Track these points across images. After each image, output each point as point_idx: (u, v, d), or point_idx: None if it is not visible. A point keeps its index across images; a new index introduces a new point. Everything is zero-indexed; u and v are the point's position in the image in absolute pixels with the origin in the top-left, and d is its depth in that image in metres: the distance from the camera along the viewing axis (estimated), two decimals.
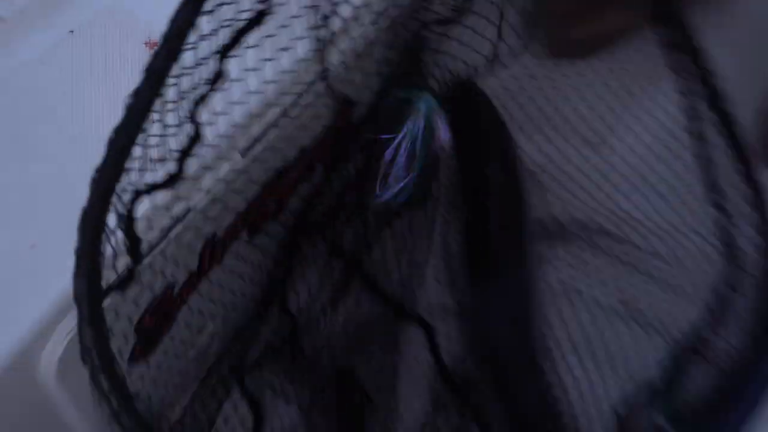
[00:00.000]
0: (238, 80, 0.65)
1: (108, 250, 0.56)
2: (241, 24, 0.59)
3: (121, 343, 0.67)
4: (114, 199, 0.53)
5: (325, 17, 0.73)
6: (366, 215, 0.93)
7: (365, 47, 0.82)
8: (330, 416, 0.92)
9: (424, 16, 0.88)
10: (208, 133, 0.62)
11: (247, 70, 0.66)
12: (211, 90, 0.59)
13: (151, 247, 0.69)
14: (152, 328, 0.75)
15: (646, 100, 1.02)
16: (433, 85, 0.89)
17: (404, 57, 0.89)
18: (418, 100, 0.83)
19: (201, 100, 0.59)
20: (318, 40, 0.73)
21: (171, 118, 0.57)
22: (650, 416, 0.88)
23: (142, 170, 0.57)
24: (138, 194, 0.58)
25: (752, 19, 0.98)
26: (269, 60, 0.69)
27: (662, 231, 1.05)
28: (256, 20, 0.59)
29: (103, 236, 0.54)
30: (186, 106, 0.58)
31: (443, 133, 0.85)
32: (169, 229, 0.71)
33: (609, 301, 1.05)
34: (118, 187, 0.53)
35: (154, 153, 0.57)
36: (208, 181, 0.72)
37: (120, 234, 0.58)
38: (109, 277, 0.59)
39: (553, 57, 1.10)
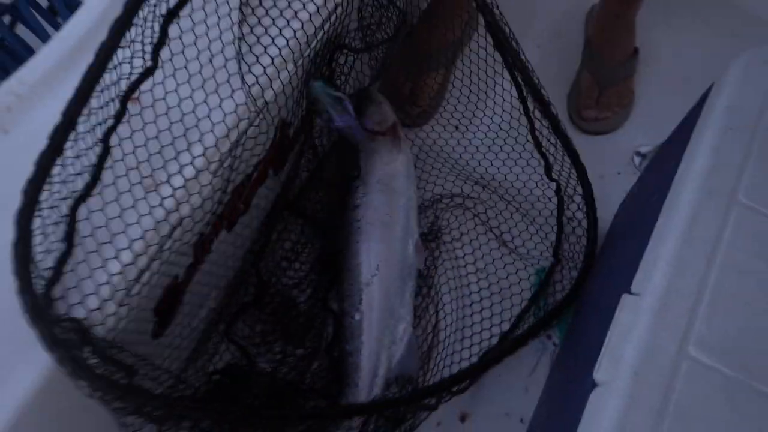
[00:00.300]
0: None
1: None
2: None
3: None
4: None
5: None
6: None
7: (296, 81, 0.99)
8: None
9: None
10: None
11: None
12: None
13: (159, 249, 0.84)
14: (166, 309, 0.91)
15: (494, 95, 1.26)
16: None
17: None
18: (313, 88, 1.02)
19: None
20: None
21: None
22: None
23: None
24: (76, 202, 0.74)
25: None
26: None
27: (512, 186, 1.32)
28: None
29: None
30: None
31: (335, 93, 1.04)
32: (169, 235, 0.84)
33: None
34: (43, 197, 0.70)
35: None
36: (193, 197, 0.85)
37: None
38: None
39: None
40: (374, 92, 1.28)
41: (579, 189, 1.26)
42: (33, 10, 1.25)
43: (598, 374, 0.75)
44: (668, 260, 0.80)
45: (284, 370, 1.11)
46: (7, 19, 1.25)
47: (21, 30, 1.27)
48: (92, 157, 0.77)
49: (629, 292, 0.82)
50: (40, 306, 0.69)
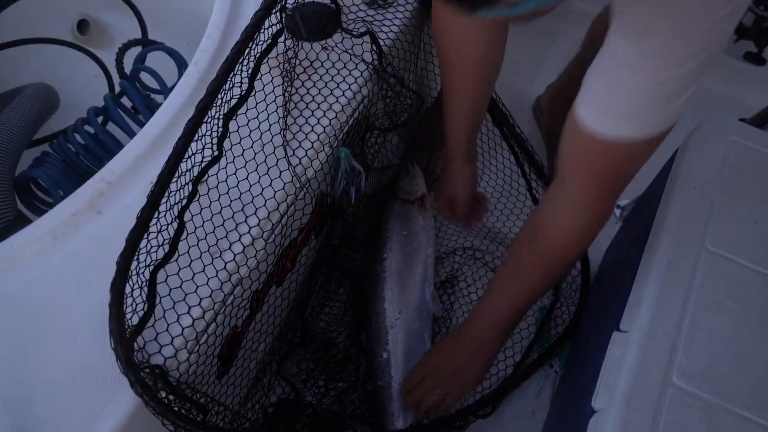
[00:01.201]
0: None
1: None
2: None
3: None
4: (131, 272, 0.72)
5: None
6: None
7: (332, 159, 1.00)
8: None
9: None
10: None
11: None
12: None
13: (223, 304, 0.85)
14: (227, 354, 0.91)
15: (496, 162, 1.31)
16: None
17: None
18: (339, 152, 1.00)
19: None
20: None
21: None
22: None
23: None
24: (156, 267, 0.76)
25: None
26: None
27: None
28: None
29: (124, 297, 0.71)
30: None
31: (357, 165, 1.01)
32: (231, 292, 0.84)
33: None
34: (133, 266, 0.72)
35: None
36: (250, 260, 0.86)
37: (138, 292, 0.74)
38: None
39: None
40: (412, 166, 1.29)
41: None
42: (120, 111, 1.28)
43: (596, 403, 0.73)
44: (650, 301, 0.79)
45: (327, 402, 1.09)
46: (100, 119, 1.30)
47: (111, 127, 1.31)
48: (170, 231, 0.79)
49: (619, 330, 0.80)
50: (132, 357, 0.70)
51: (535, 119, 1.60)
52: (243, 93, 0.85)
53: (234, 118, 0.85)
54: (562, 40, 1.76)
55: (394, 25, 1.08)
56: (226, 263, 0.83)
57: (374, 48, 1.03)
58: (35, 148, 1.28)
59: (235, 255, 0.84)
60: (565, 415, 0.97)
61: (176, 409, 0.73)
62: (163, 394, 0.73)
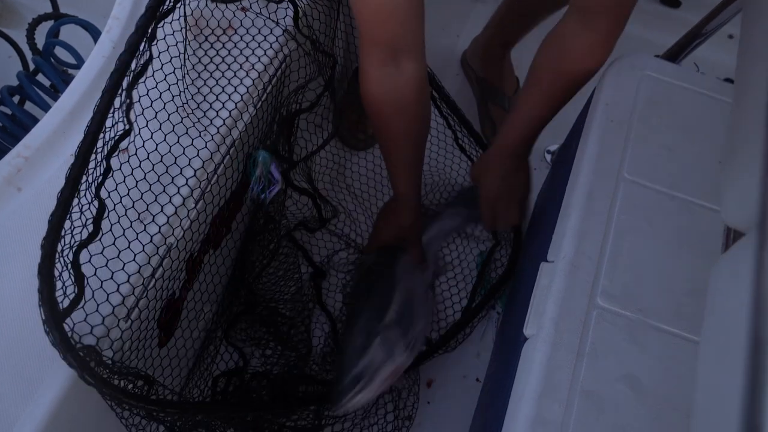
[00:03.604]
0: None
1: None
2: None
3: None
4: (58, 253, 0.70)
5: None
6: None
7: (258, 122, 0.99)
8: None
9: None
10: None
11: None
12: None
13: (153, 271, 0.83)
14: (167, 322, 0.90)
15: None
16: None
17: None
18: (257, 155, 0.98)
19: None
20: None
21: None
22: None
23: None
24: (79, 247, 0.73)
25: None
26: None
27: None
28: None
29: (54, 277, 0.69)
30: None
31: (275, 173, 0.99)
32: (162, 259, 0.83)
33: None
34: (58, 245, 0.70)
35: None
36: (178, 227, 0.85)
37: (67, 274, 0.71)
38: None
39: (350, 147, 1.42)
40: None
41: None
42: (36, 88, 1.23)
43: (527, 330, 0.75)
44: (573, 231, 0.82)
45: (276, 370, 1.08)
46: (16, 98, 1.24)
47: (29, 106, 1.25)
48: (92, 210, 0.76)
49: (546, 260, 0.83)
50: (70, 341, 0.68)
51: (464, 73, 1.61)
52: (145, 61, 0.82)
53: (140, 85, 0.82)
54: None
55: None
56: (152, 236, 0.81)
57: (290, 8, 1.01)
58: None
59: (160, 227, 0.82)
60: (504, 349, 1.00)
61: (117, 383, 0.72)
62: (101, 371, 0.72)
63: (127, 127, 0.80)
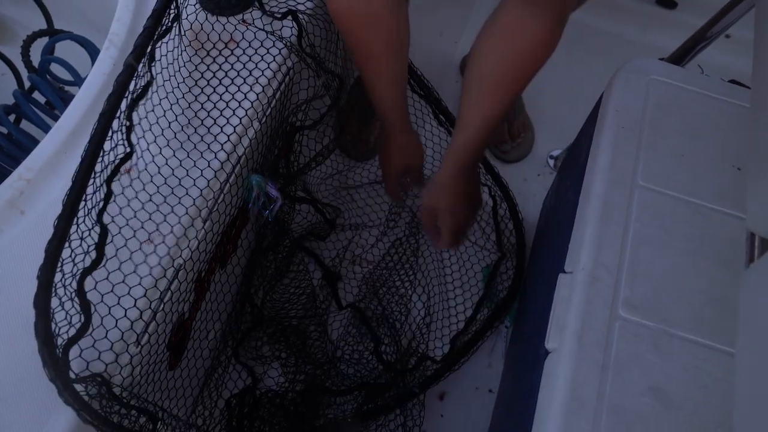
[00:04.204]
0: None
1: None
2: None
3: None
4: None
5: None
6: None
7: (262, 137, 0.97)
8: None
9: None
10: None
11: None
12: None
13: (162, 294, 0.81)
14: (177, 343, 0.88)
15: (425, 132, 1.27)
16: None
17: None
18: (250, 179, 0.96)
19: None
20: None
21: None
22: None
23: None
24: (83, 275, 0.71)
25: None
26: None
27: None
28: None
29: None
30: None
31: (272, 191, 0.96)
32: (171, 281, 0.81)
33: None
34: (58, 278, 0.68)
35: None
36: (186, 248, 0.83)
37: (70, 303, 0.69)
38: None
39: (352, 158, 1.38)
40: None
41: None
42: (32, 106, 1.21)
43: (549, 344, 0.74)
44: (591, 241, 0.80)
45: (297, 386, 1.05)
46: (12, 118, 1.22)
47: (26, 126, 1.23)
48: (93, 236, 0.74)
49: (564, 272, 0.81)
50: (67, 375, 0.66)
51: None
52: (146, 82, 0.80)
53: (140, 107, 0.80)
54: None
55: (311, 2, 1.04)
56: (161, 257, 0.79)
57: (295, 27, 0.99)
58: None
59: (169, 248, 0.80)
60: (521, 361, 0.99)
61: (117, 421, 0.70)
62: (105, 404, 0.70)
63: (128, 150, 0.78)
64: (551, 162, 1.49)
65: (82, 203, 0.73)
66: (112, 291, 0.75)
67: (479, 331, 1.15)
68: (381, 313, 1.14)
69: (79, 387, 0.68)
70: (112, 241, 0.77)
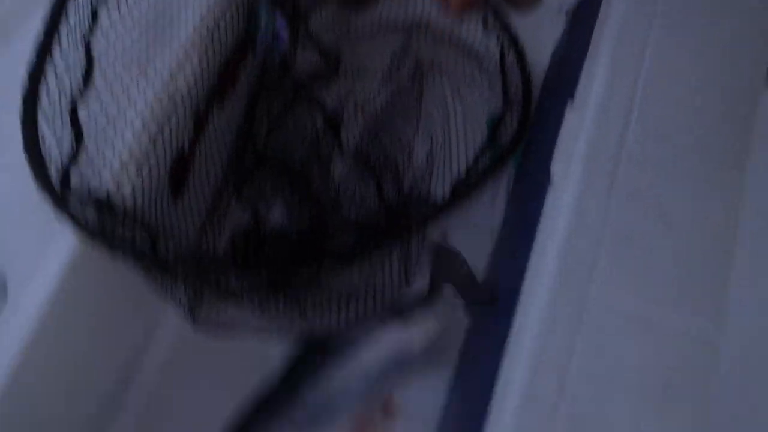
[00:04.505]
0: None
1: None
2: None
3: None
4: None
5: None
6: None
7: None
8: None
9: None
10: None
11: None
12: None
13: (161, 126, 0.80)
14: (179, 175, 0.87)
15: None
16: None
17: None
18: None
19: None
20: None
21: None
22: None
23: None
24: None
25: None
26: None
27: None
28: None
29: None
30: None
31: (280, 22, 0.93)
32: (169, 115, 0.81)
33: None
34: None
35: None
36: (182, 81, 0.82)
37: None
38: None
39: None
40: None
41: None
42: None
43: (554, 167, 0.73)
44: (603, 72, 0.78)
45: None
46: None
47: None
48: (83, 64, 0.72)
49: (572, 105, 0.79)
50: (60, 196, 0.66)
51: None
52: None
53: None
54: None
55: None
56: (155, 87, 0.78)
57: None
58: None
59: (165, 81, 0.78)
60: (524, 196, 0.99)
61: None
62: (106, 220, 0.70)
63: None
64: (563, 10, 1.42)
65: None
66: (107, 123, 0.73)
67: (481, 175, 1.13)
68: (383, 158, 1.12)
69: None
70: (106, 74, 0.75)
